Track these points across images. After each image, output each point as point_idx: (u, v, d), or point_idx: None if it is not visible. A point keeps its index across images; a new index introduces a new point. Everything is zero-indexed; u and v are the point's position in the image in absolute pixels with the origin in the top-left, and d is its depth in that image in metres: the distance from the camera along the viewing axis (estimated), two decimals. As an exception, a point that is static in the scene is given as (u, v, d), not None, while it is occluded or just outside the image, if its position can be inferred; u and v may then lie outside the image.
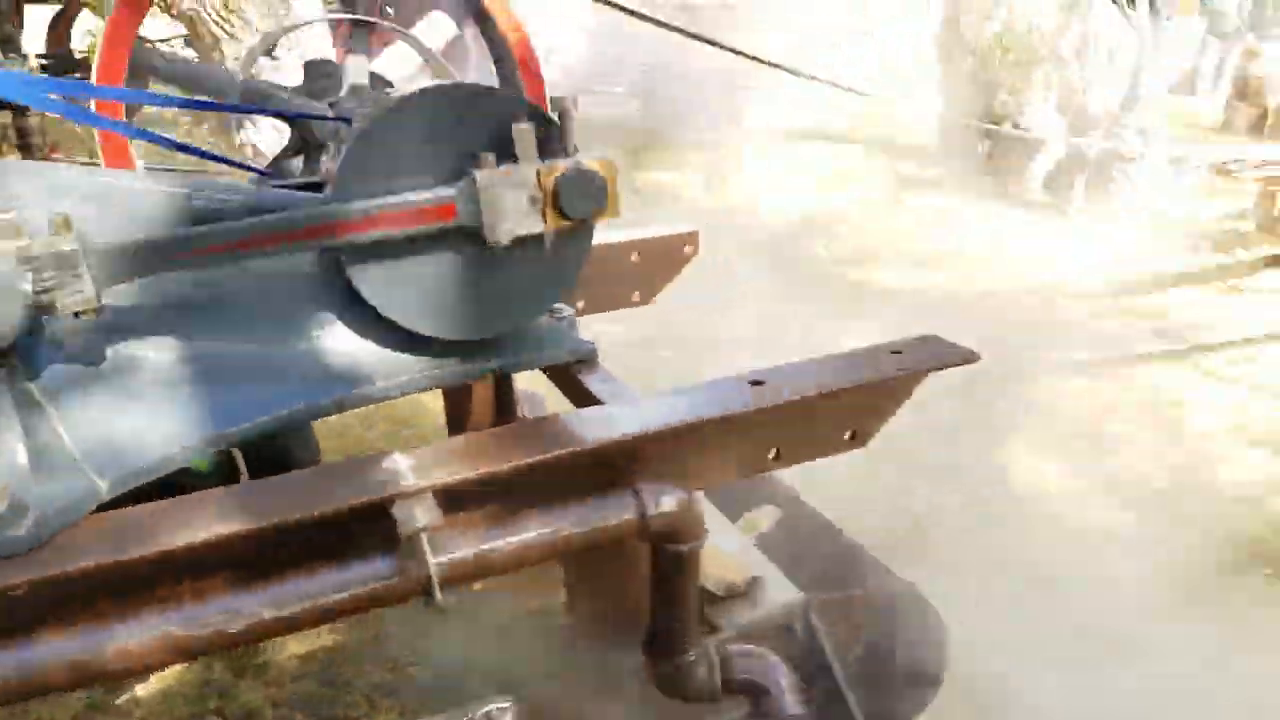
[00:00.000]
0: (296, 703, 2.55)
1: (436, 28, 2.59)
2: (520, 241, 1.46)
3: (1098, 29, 7.20)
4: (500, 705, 1.59)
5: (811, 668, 1.89)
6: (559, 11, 11.77)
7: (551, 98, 1.47)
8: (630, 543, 1.46)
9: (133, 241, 1.26)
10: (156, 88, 2.63)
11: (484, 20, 2.56)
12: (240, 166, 2.26)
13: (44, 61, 6.62)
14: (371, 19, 2.46)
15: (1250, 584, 2.88)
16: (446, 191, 1.42)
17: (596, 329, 3.83)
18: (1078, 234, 6.99)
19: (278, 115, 2.25)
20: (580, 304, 2.53)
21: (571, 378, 1.69)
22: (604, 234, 2.55)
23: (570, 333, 1.75)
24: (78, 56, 6.99)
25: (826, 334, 3.86)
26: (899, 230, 6.85)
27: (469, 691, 2.55)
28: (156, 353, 1.45)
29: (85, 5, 6.08)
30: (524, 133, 1.43)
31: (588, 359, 1.73)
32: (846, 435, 1.73)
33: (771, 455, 1.66)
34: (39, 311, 1.19)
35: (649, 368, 3.71)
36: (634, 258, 2.59)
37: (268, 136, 4.34)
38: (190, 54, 5.31)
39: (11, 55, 5.42)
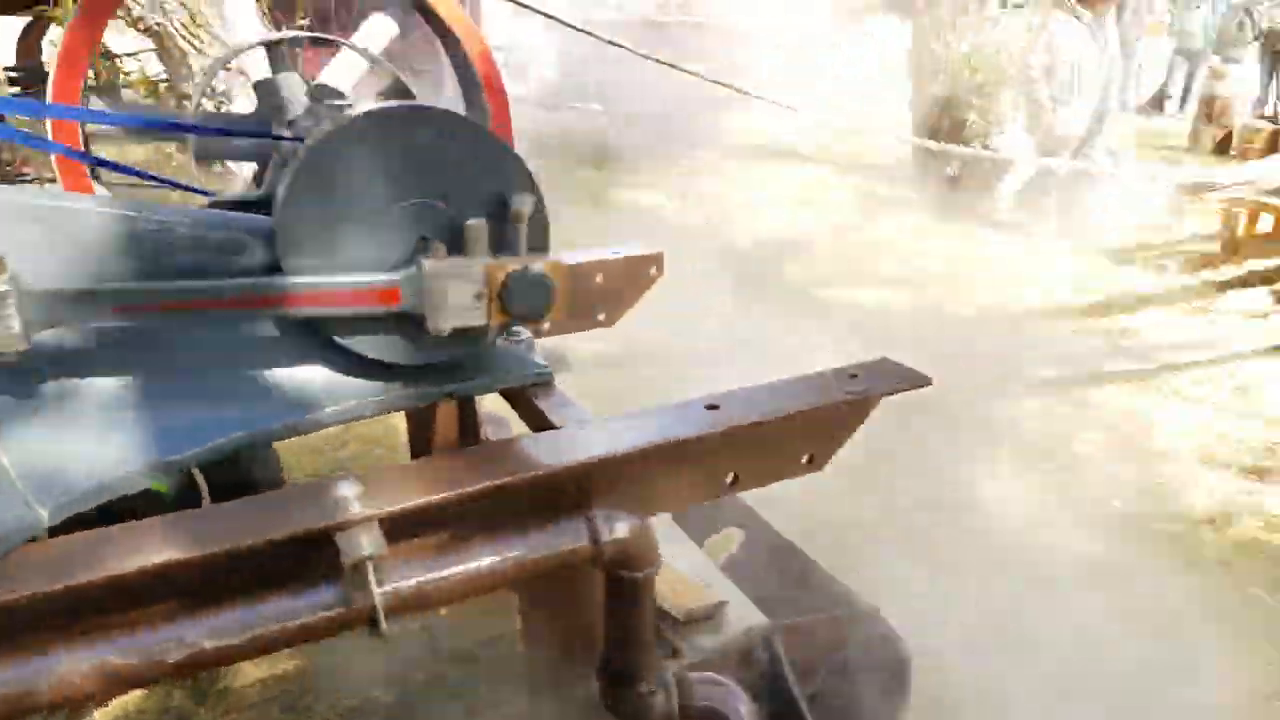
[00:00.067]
0: (257, 730, 2.51)
1: (377, 30, 2.56)
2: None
3: (1066, 50, 7.27)
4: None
5: (773, 694, 1.88)
6: (539, 30, 11.84)
7: (511, 199, 1.47)
8: (584, 569, 1.44)
9: (67, 290, 1.26)
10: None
11: (427, 14, 2.54)
12: (186, 189, 2.23)
13: (13, 75, 6.56)
14: (316, 34, 2.44)
15: (1218, 607, 2.89)
16: (392, 277, 1.43)
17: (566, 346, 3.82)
18: (1045, 253, 7.04)
19: (231, 134, 2.22)
20: (544, 325, 2.52)
21: (527, 401, 1.67)
22: (567, 254, 2.56)
23: (527, 356, 1.74)
24: (48, 69, 6.92)
25: (793, 354, 3.86)
26: (869, 249, 6.88)
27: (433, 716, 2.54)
28: (101, 378, 1.42)
29: (52, 19, 6.04)
30: (475, 229, 1.45)
31: (545, 382, 1.71)
32: (804, 459, 1.73)
33: (729, 480, 1.65)
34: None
35: (610, 388, 3.70)
36: (598, 279, 2.58)
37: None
38: (159, 69, 5.28)
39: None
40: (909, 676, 1.92)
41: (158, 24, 4.52)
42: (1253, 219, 6.46)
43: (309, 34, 2.95)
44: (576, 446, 1.43)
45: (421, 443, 2.30)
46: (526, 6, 4.02)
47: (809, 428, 1.69)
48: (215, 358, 1.50)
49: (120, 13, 4.68)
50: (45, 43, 7.11)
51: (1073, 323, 5.55)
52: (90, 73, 5.59)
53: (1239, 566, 3.10)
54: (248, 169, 2.70)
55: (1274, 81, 13.59)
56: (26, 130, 2.02)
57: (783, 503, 2.16)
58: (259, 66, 2.56)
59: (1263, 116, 11.49)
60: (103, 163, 2.04)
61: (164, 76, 5.20)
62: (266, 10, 5.25)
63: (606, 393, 3.87)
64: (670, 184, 8.20)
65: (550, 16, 4.15)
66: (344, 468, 3.60)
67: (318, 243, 1.43)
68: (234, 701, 2.61)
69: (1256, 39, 13.88)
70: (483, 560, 1.33)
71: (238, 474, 2.47)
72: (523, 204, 1.47)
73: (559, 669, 1.75)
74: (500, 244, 1.48)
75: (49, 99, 2.19)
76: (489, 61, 2.63)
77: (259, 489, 2.21)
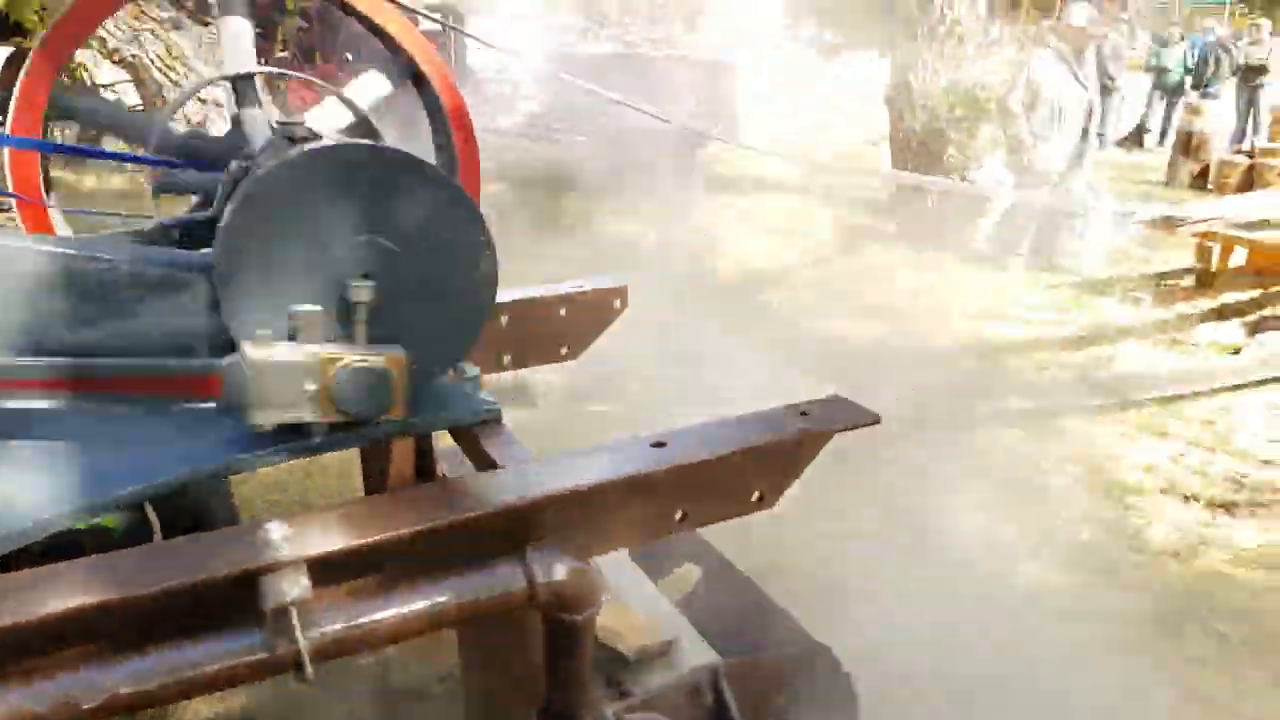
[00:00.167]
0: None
1: (369, 86, 2.58)
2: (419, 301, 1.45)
3: (1047, 86, 7.35)
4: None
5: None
6: (528, 62, 11.90)
7: (349, 283, 1.39)
8: (521, 611, 1.42)
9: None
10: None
11: (420, 84, 2.57)
12: (130, 216, 2.22)
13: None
14: (292, 72, 2.45)
15: (1180, 641, 2.88)
16: (211, 364, 1.36)
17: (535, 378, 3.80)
18: (1021, 285, 7.09)
19: (181, 166, 2.22)
20: (507, 359, 2.51)
21: (473, 440, 1.66)
22: (531, 289, 2.56)
23: (474, 393, 1.73)
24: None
25: (768, 384, 3.86)
26: (848, 281, 6.92)
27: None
28: (34, 417, 1.41)
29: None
30: (309, 317, 1.35)
31: (492, 420, 1.70)
32: (754, 496, 1.72)
33: (678, 517, 1.64)
34: None
35: (579, 423, 3.70)
36: (562, 312, 2.58)
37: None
38: (136, 100, 5.28)
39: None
40: (857, 713, 1.91)
41: (134, 56, 4.53)
42: (1226, 252, 6.52)
43: (278, 70, 2.96)
44: (514, 487, 1.42)
45: (376, 479, 2.27)
46: (501, 49, 4.06)
47: (759, 465, 1.68)
48: (155, 397, 1.49)
49: (96, 45, 4.69)
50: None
51: (1046, 355, 5.57)
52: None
53: (1202, 600, 3.10)
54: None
55: (1250, 116, 13.80)
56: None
57: (742, 530, 2.16)
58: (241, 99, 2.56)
59: (1239, 151, 11.64)
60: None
61: (141, 108, 5.22)
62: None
63: (569, 428, 3.89)
64: (651, 214, 8.23)
65: (514, 55, 4.18)
66: (306, 502, 3.57)
67: (256, 283, 1.42)
68: (180, 737, 2.57)
69: (1233, 74, 14.10)
70: (414, 604, 1.31)
71: (190, 510, 2.46)
72: (360, 292, 1.37)
73: (500, 710, 1.73)
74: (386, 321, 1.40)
75: (7, 131, 2.19)
76: (456, 97, 2.64)
77: (213, 525, 2.19)
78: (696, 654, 1.95)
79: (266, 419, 1.33)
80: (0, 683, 1.13)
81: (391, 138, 2.67)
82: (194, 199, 2.30)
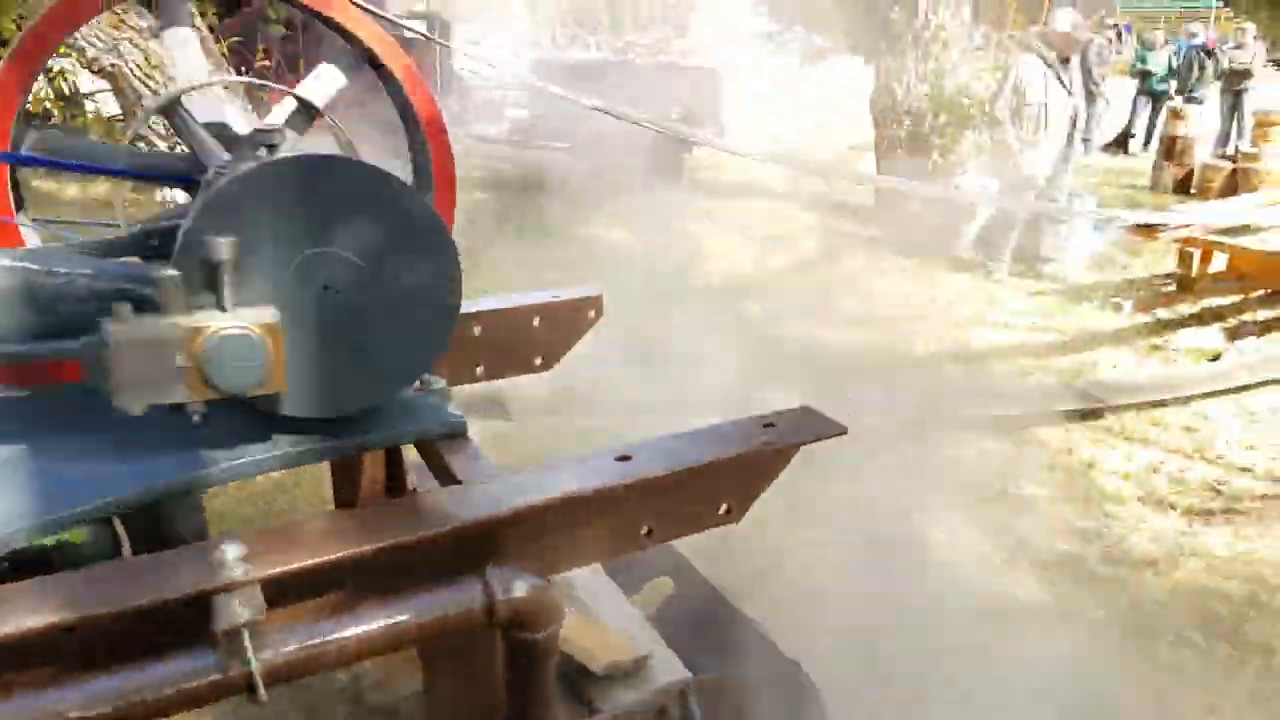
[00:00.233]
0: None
1: (325, 80, 2.55)
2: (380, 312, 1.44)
3: (1033, 92, 7.37)
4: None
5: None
6: (509, 71, 11.90)
7: (209, 240, 1.28)
8: (480, 630, 1.41)
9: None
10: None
11: (379, 70, 2.54)
12: (95, 225, 2.21)
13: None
14: (259, 80, 2.43)
15: (1154, 652, 2.88)
16: (68, 346, 1.26)
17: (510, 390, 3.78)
18: (1005, 293, 7.12)
19: (146, 178, 2.20)
20: (480, 370, 2.50)
21: (437, 455, 1.64)
22: (504, 299, 2.56)
23: (441, 406, 1.72)
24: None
25: (748, 393, 3.86)
26: (832, 289, 6.93)
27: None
28: (-8, 433, 1.40)
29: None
30: (169, 281, 1.26)
31: (457, 434, 1.69)
32: (721, 509, 1.71)
33: (644, 532, 1.63)
34: None
35: (556, 435, 3.69)
36: (535, 322, 2.57)
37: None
38: (115, 110, 5.26)
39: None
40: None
41: (113, 65, 4.50)
42: (1206, 257, 6.55)
43: (244, 79, 2.94)
44: (474, 503, 1.41)
45: (347, 493, 2.26)
46: (480, 58, 4.04)
47: (725, 478, 1.67)
48: (109, 413, 1.47)
49: (74, 54, 4.67)
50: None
51: (1028, 361, 5.59)
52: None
53: (1177, 609, 3.10)
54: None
55: (1234, 121, 13.87)
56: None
57: (720, 536, 2.15)
58: (207, 109, 2.54)
59: (1223, 155, 11.71)
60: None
61: (120, 117, 5.20)
62: (225, 52, 5.25)
63: (546, 441, 3.88)
64: (635, 220, 8.23)
65: (494, 64, 4.17)
66: (284, 515, 3.55)
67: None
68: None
69: (1217, 79, 14.18)
70: (370, 624, 1.30)
71: (159, 525, 2.44)
72: (220, 249, 1.26)
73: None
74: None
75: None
76: (430, 103, 2.63)
77: (181, 540, 2.17)
78: (667, 670, 1.95)
79: (134, 402, 1.24)
80: (-54, 708, 1.12)
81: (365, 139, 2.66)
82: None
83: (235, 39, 5.54)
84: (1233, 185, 10.38)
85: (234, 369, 1.26)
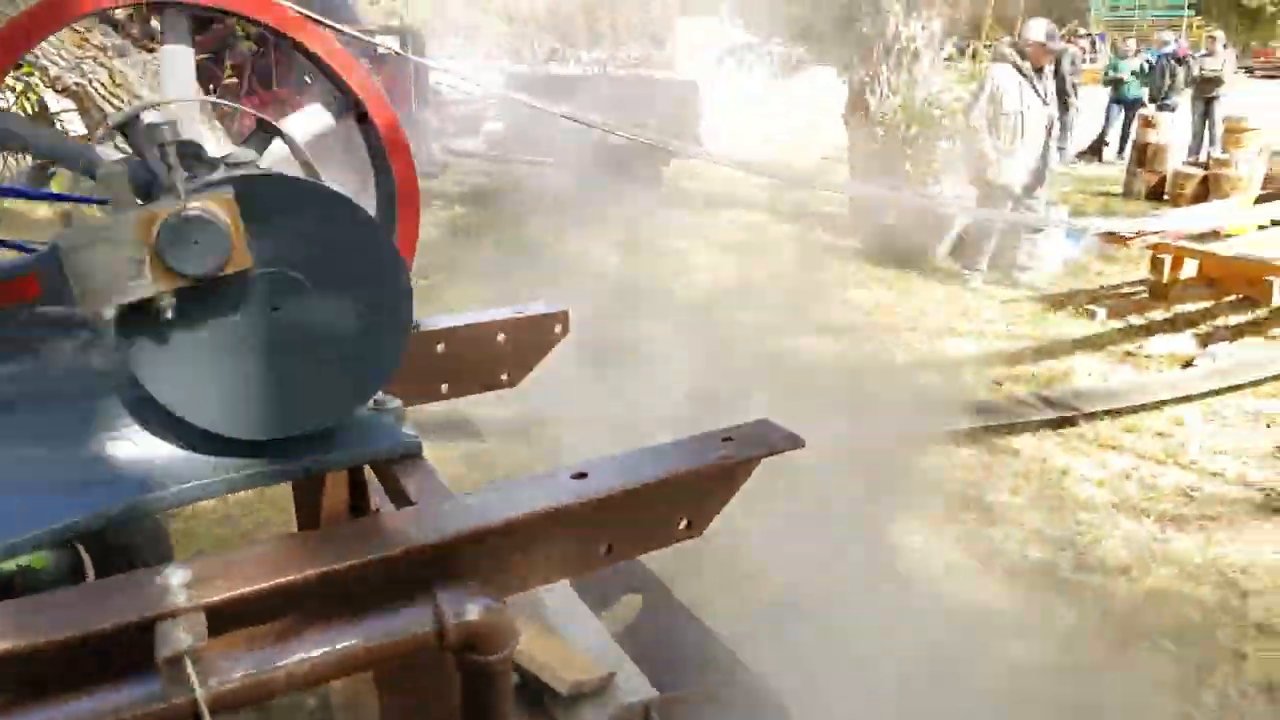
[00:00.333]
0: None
1: (309, 119, 2.54)
2: (319, 327, 1.42)
3: (1009, 101, 7.42)
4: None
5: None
6: (481, 86, 11.92)
7: (150, 124, 1.29)
8: (432, 654, 1.39)
9: None
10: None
11: (362, 118, 2.54)
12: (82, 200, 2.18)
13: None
14: (232, 104, 2.41)
15: (1126, 659, 2.88)
16: (24, 262, 1.22)
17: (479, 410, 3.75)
18: (980, 302, 7.15)
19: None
20: (444, 388, 2.48)
21: (391, 476, 1.63)
22: (469, 315, 2.54)
23: (395, 426, 1.70)
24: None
25: (724, 405, 3.86)
26: (808, 298, 6.94)
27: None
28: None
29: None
30: (112, 173, 1.22)
31: (412, 454, 1.67)
32: (681, 525, 1.70)
33: (603, 550, 1.62)
34: None
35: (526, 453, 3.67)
36: (500, 338, 2.55)
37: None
38: (82, 129, 5.21)
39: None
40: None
41: (76, 84, 4.47)
42: (1178, 264, 6.59)
43: (212, 99, 2.93)
44: (425, 525, 1.39)
45: (310, 514, 2.24)
46: (452, 71, 4.03)
47: (684, 493, 1.67)
48: (54, 437, 1.45)
49: (37, 74, 4.63)
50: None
51: (1001, 370, 5.61)
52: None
53: (1148, 616, 3.11)
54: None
55: (1206, 128, 14.02)
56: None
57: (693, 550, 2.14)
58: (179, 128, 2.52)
59: (1195, 162, 11.83)
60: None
61: (87, 137, 5.14)
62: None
63: (517, 459, 3.87)
64: (614, 233, 8.24)
65: (462, 77, 4.16)
66: (250, 536, 3.52)
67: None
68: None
69: (1188, 86, 14.34)
70: (319, 649, 1.27)
71: (121, 549, 2.41)
72: (160, 131, 1.23)
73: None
74: None
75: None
76: (392, 120, 2.61)
77: (145, 562, 2.15)
78: (632, 689, 1.93)
79: (101, 304, 1.20)
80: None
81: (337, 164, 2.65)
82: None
83: (204, 55, 5.52)
84: (1205, 191, 10.49)
85: (195, 250, 1.22)
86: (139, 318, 1.34)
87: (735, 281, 7.27)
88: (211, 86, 5.44)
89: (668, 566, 2.49)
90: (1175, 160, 11.88)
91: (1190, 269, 6.59)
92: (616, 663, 2.03)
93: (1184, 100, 14.39)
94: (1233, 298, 6.75)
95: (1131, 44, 16.22)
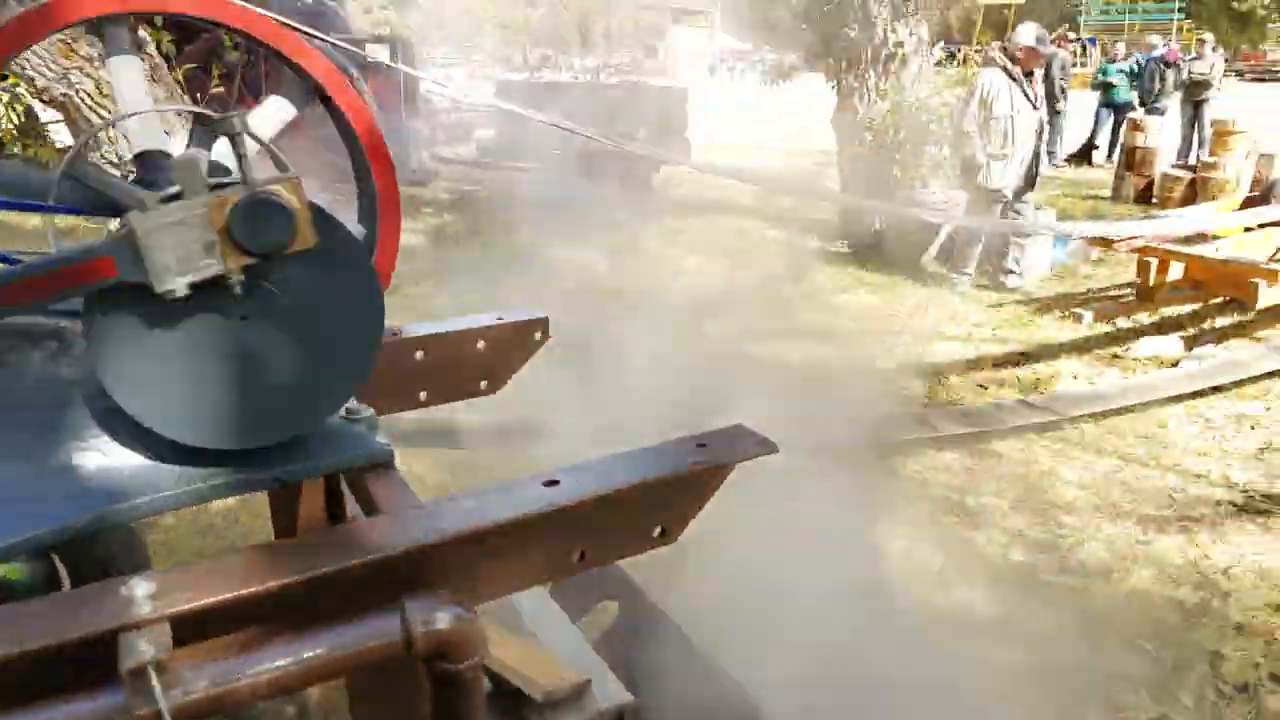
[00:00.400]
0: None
1: (271, 113, 2.54)
2: (291, 333, 1.42)
3: (999, 106, 7.44)
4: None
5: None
6: (475, 93, 11.93)
7: (223, 116, 1.35)
8: (401, 663, 1.40)
9: None
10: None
11: (329, 105, 2.53)
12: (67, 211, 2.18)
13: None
14: (200, 109, 2.40)
15: (1105, 662, 2.89)
16: (97, 245, 1.29)
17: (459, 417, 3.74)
18: (968, 306, 7.17)
19: (78, 212, 2.18)
20: (423, 396, 2.48)
21: (362, 485, 1.63)
22: (448, 322, 2.55)
23: (366, 435, 1.70)
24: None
25: (708, 412, 3.86)
26: (796, 303, 6.96)
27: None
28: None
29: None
30: (187, 163, 1.31)
31: (383, 463, 1.68)
32: (656, 532, 1.71)
33: (575, 558, 1.62)
34: None
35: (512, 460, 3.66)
36: (480, 345, 2.55)
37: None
38: (70, 139, 5.21)
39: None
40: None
41: (63, 95, 4.47)
42: (1163, 267, 6.62)
43: (177, 107, 2.93)
44: (393, 534, 1.40)
45: (287, 523, 2.24)
46: (436, 82, 4.04)
47: (657, 500, 1.67)
48: (19, 448, 1.46)
49: (24, 85, 4.63)
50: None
51: (987, 374, 5.62)
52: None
53: (1128, 618, 3.12)
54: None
55: (1195, 131, 14.07)
56: None
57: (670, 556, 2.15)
58: (146, 137, 2.53)
59: (1183, 166, 11.87)
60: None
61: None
62: (180, 79, 5.22)
63: (502, 468, 3.87)
64: (602, 240, 8.25)
65: (443, 86, 4.17)
66: (234, 547, 3.52)
67: (126, 325, 1.39)
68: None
69: (1177, 89, 14.39)
70: (284, 659, 1.28)
71: (97, 561, 2.41)
72: (230, 122, 1.32)
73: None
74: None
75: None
76: (373, 128, 2.62)
77: (119, 573, 2.15)
78: (607, 695, 1.93)
79: (175, 283, 1.29)
80: None
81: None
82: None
83: (192, 66, 5.52)
84: (1193, 194, 10.53)
85: (263, 229, 1.31)
86: (107, 326, 1.35)
87: (724, 286, 7.29)
88: (199, 95, 5.45)
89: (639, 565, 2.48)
90: (1164, 164, 11.93)
91: (1176, 272, 6.62)
92: (592, 669, 2.04)
93: (1173, 104, 14.45)
94: (1219, 300, 6.79)
95: (1121, 48, 16.27)
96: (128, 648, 1.17)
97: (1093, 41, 35.01)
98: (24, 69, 4.35)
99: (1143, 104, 14.51)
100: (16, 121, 5.21)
